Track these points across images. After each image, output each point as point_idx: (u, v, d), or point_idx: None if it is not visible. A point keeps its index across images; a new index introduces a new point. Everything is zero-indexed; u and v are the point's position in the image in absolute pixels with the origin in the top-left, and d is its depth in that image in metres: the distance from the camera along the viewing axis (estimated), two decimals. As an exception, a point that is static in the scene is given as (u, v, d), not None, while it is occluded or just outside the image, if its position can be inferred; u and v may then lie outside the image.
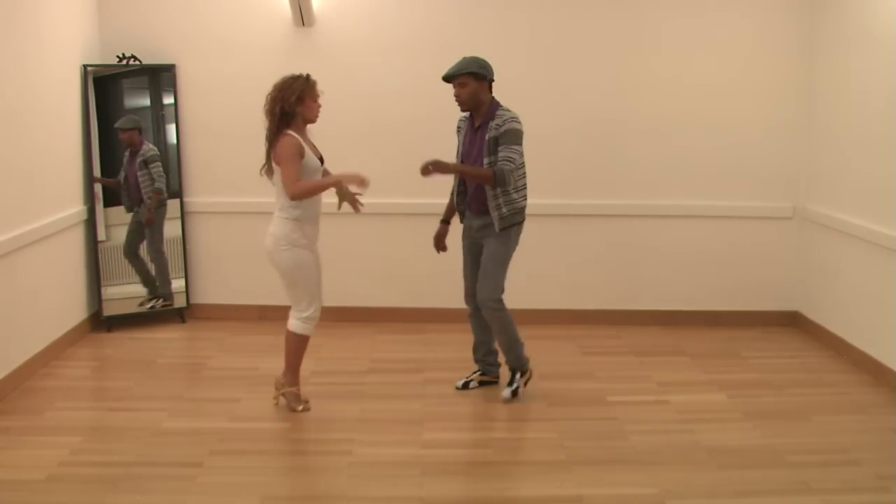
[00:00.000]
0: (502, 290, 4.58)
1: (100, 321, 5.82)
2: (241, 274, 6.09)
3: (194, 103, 5.91)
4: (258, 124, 5.89)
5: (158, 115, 5.99)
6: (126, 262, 5.91)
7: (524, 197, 4.52)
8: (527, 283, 6.08)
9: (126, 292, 5.92)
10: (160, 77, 5.92)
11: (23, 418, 4.35)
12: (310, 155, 4.27)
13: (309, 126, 4.36)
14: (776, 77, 5.91)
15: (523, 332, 5.83)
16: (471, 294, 4.74)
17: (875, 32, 5.07)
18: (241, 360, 5.28)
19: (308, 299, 4.37)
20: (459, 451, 4.12)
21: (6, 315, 4.66)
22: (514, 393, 4.66)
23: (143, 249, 5.95)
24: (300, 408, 4.47)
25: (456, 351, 5.30)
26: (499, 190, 4.40)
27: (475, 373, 4.87)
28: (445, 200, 4.79)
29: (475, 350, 4.89)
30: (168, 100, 5.92)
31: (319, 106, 4.32)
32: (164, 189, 5.91)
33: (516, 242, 4.61)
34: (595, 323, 6.05)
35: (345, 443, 4.15)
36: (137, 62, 5.80)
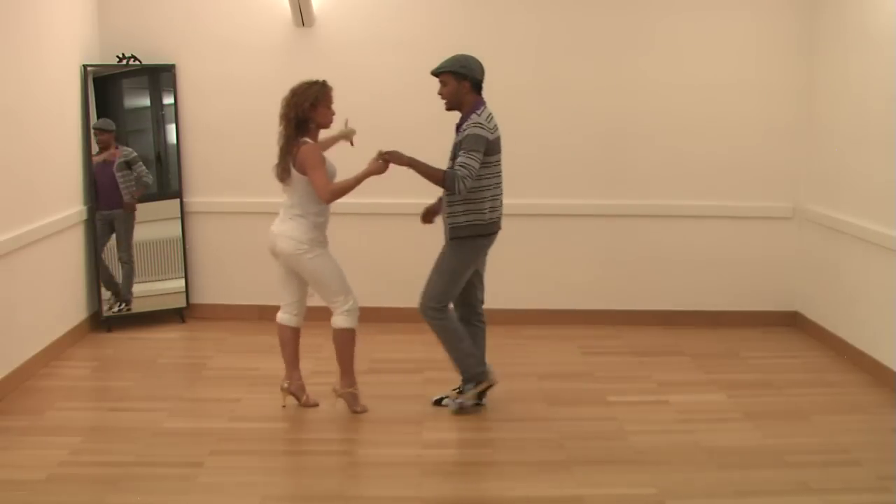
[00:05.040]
0: (443, 300, 4.36)
1: (100, 321, 5.82)
2: (241, 274, 6.09)
3: (194, 103, 5.91)
4: (258, 124, 5.93)
5: (158, 115, 6.00)
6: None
7: (492, 209, 4.34)
8: (527, 283, 6.09)
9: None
10: (160, 77, 5.92)
11: (23, 418, 4.35)
12: (328, 161, 4.31)
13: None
14: (776, 77, 5.91)
15: (524, 332, 5.88)
16: (455, 304, 4.53)
17: (874, 33, 5.07)
18: (241, 360, 5.28)
19: (343, 294, 4.38)
20: (459, 451, 4.12)
21: (6, 315, 4.66)
22: (460, 407, 4.45)
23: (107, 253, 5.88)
24: (360, 409, 4.45)
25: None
26: (457, 197, 4.26)
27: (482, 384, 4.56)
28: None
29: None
30: (168, 100, 5.92)
31: (333, 112, 4.33)
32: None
33: (472, 258, 4.39)
34: (595, 323, 6.04)
35: (345, 443, 4.15)
36: (137, 62, 5.80)
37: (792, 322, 6.10)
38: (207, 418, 4.41)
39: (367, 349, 5.32)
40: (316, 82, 4.29)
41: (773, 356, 5.52)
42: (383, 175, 4.29)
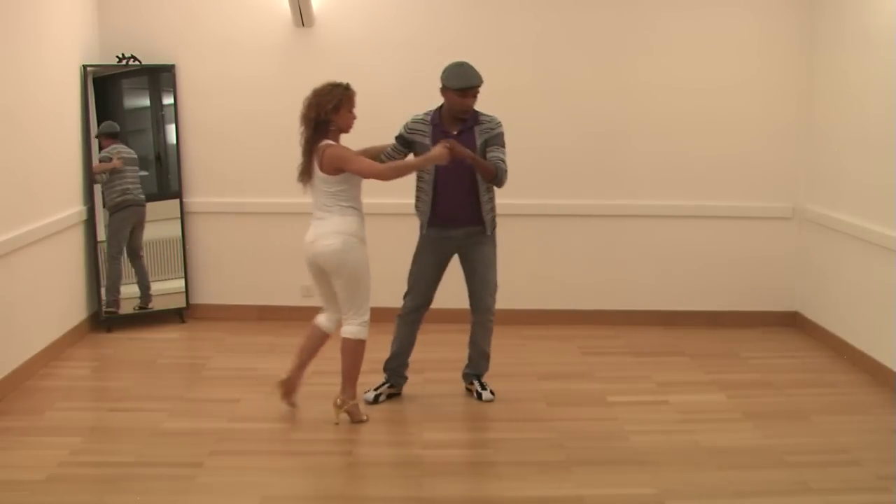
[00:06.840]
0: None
1: (100, 321, 5.82)
2: (240, 274, 6.09)
3: (194, 103, 5.91)
4: (258, 124, 5.94)
5: (158, 115, 6.00)
6: (128, 263, 5.93)
7: None
8: (527, 283, 6.09)
9: (126, 292, 5.91)
10: (160, 77, 5.92)
11: (23, 418, 4.35)
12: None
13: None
14: (776, 77, 5.91)
15: (524, 332, 5.89)
16: (425, 304, 4.67)
17: (874, 33, 5.08)
18: (240, 360, 5.29)
19: (368, 302, 4.32)
20: (459, 451, 4.12)
21: (6, 315, 4.66)
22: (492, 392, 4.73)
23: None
24: (365, 417, 4.36)
25: (456, 351, 5.29)
26: (488, 195, 4.51)
27: (385, 384, 4.69)
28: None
29: (395, 359, 4.72)
30: (168, 100, 5.92)
31: (355, 117, 4.26)
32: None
33: None
34: (595, 323, 6.05)
35: (345, 443, 4.15)
36: (137, 62, 5.80)
37: (792, 322, 6.10)
38: (207, 418, 4.41)
39: (368, 349, 5.31)
40: (339, 84, 4.20)
41: (773, 356, 5.52)
42: (390, 181, 4.24)
